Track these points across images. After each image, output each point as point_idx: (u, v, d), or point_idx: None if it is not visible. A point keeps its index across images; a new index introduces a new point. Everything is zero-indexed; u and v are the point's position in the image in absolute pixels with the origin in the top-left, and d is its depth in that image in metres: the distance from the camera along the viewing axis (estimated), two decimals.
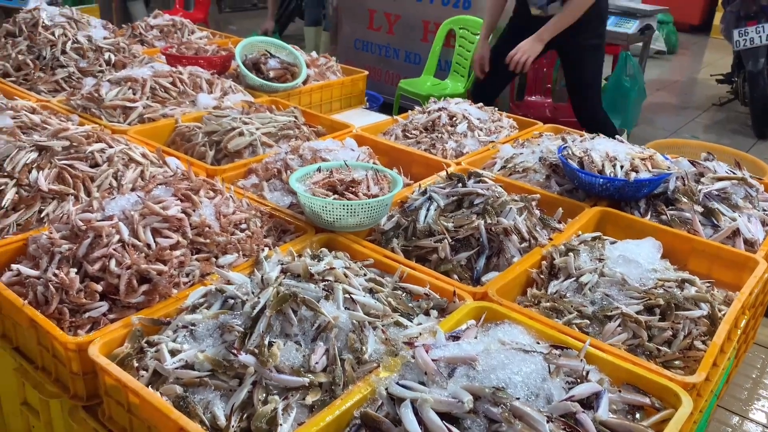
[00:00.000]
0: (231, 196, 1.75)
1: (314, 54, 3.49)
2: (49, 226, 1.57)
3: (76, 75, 2.83)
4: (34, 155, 1.80)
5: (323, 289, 1.36)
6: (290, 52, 3.19)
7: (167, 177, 1.73)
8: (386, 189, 1.86)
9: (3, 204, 1.69)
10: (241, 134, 2.32)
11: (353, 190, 1.83)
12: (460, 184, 1.93)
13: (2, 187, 1.74)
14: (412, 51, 4.60)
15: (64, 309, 1.37)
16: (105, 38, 3.03)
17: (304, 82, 3.10)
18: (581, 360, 1.23)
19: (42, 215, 1.71)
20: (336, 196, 1.80)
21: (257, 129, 2.38)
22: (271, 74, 2.98)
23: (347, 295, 1.36)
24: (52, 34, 2.91)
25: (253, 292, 1.37)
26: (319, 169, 1.93)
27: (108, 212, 1.52)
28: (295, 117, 2.60)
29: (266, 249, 1.64)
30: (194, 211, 1.60)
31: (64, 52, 2.87)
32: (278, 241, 1.79)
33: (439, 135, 2.52)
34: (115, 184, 1.86)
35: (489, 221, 1.79)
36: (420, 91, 4.23)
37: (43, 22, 2.95)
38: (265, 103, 2.75)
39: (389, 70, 4.79)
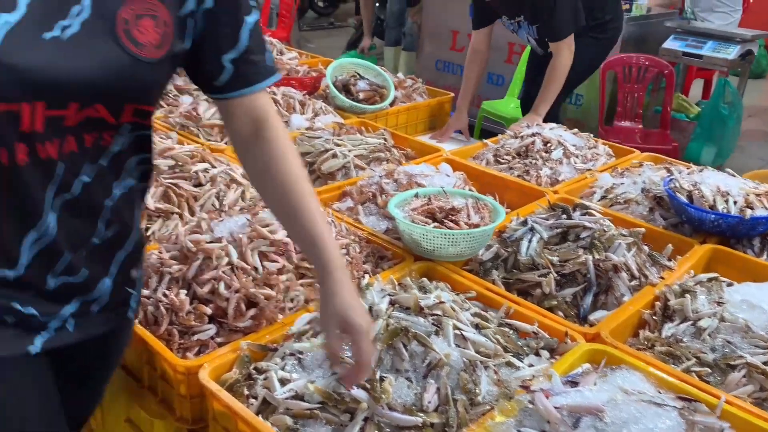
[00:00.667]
0: (332, 221, 1.75)
1: (401, 75, 3.49)
2: (159, 245, 1.60)
3: (172, 93, 2.92)
4: None
5: (432, 323, 1.33)
6: (379, 74, 3.20)
7: None
8: (487, 218, 1.82)
9: None
10: (334, 156, 2.33)
11: (453, 218, 1.79)
12: (564, 216, 1.87)
13: None
14: (495, 72, 4.55)
15: (173, 330, 1.39)
16: None
17: (392, 104, 3.10)
18: (717, 417, 1.15)
19: (148, 233, 1.75)
20: (436, 224, 1.77)
21: (349, 151, 2.39)
22: (361, 96, 3.00)
23: (457, 331, 1.32)
24: None
25: None
26: (416, 195, 1.91)
27: (217, 234, 1.54)
28: (385, 139, 2.60)
29: (366, 276, 1.63)
30: None
31: None
32: (376, 267, 1.77)
33: (533, 161, 2.46)
34: (217, 204, 1.89)
35: (597, 256, 1.72)
36: (504, 113, 4.17)
37: None
38: (354, 124, 2.76)
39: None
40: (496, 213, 1.83)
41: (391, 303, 1.38)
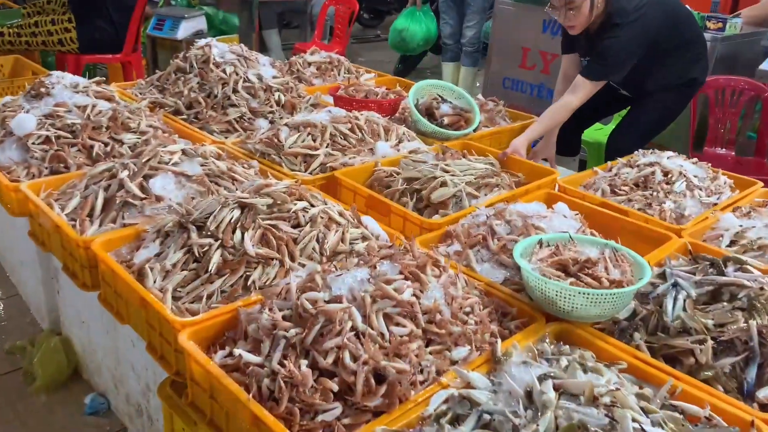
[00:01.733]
0: (452, 274, 1.56)
1: (481, 97, 3.30)
2: (266, 300, 1.43)
3: (247, 115, 2.77)
4: (237, 213, 1.69)
5: (606, 415, 1.12)
6: (461, 96, 3.01)
7: (388, 249, 1.56)
8: (628, 272, 1.60)
9: (210, 268, 1.58)
10: (443, 184, 2.16)
11: (590, 272, 1.59)
12: (713, 270, 1.65)
13: (206, 248, 1.63)
14: None
15: (295, 409, 1.20)
16: (274, 77, 2.98)
17: (475, 129, 2.91)
18: None
19: (248, 282, 1.59)
20: (572, 279, 1.57)
21: (457, 177, 2.22)
22: (445, 120, 2.81)
23: (636, 425, 1.12)
24: (224, 71, 2.88)
25: (516, 412, 1.15)
26: (540, 243, 1.71)
27: (334, 290, 1.36)
28: (492, 164, 2.43)
29: (498, 341, 1.43)
30: (422, 292, 1.42)
31: (235, 91, 2.83)
32: (500, 325, 1.58)
33: (654, 193, 2.26)
34: (317, 247, 1.71)
35: (760, 321, 1.50)
36: (588, 138, 3.95)
37: (214, 59, 2.93)
38: (456, 147, 2.60)
39: (541, 111, 4.53)
40: (638, 267, 1.62)
41: (555, 388, 1.18)
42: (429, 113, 2.85)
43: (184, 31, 5.34)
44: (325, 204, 1.86)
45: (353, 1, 5.77)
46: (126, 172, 1.94)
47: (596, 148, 3.88)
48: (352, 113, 2.61)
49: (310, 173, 2.32)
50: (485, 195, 2.22)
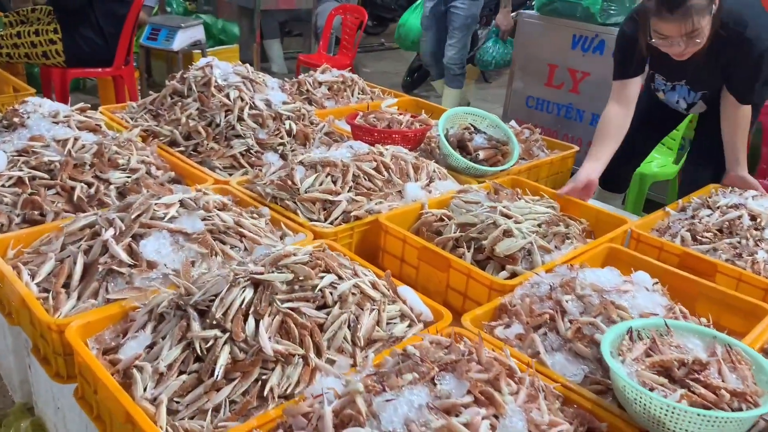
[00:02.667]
0: (522, 377, 1.23)
1: (514, 124, 2.98)
2: (291, 423, 1.10)
3: (254, 148, 2.44)
4: (249, 294, 1.35)
5: None
6: (495, 124, 2.69)
7: (446, 349, 1.22)
8: (749, 379, 1.28)
9: (216, 372, 1.24)
10: (508, 233, 1.85)
11: (701, 378, 1.26)
12: None
13: (211, 342, 1.29)
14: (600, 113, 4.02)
15: None
16: (284, 103, 2.65)
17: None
18: None
19: (265, 390, 1.25)
20: (684, 392, 1.24)
21: (518, 223, 1.92)
22: (481, 155, 2.48)
23: None
24: (227, 96, 2.54)
25: None
26: (630, 334, 1.38)
27: (385, 424, 1.03)
28: (553, 206, 2.13)
29: None
30: (498, 419, 1.08)
31: (240, 119, 2.49)
32: None
33: (743, 241, 1.94)
34: (348, 335, 1.38)
35: None
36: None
37: (215, 82, 2.59)
38: (505, 184, 2.30)
39: (569, 133, 4.22)
40: (759, 369, 1.29)
41: None
42: (461, 146, 2.53)
43: (180, 41, 5.01)
44: (355, 271, 1.53)
45: (362, 10, 5.45)
46: (111, 231, 1.61)
47: (637, 181, 3.56)
48: (376, 148, 2.28)
49: (331, 223, 1.98)
50: (556, 247, 1.91)
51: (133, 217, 1.64)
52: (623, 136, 2.52)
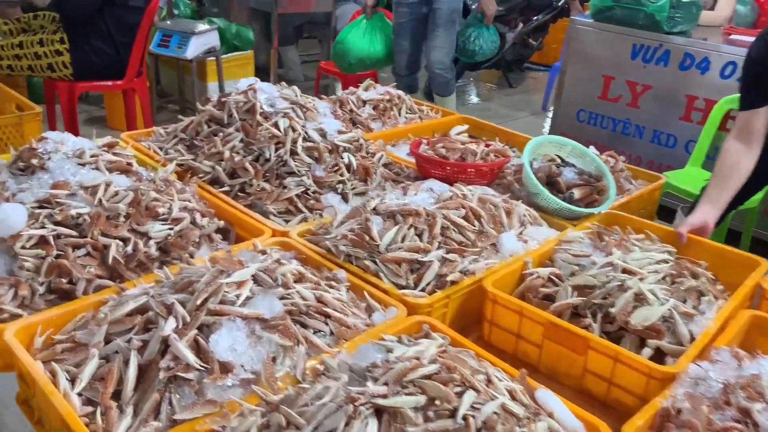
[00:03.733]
0: None
1: (594, 150, 2.66)
2: None
3: (312, 188, 2.11)
4: (373, 427, 1.02)
5: None
6: (581, 153, 2.37)
7: None
8: None
9: None
10: (640, 297, 1.54)
11: None
12: None
13: None
14: (664, 131, 3.72)
15: None
16: (339, 131, 2.32)
17: None
18: None
19: None
20: None
21: (642, 280, 1.61)
22: (576, 194, 2.16)
23: None
24: (275, 126, 2.21)
25: None
26: None
27: None
28: (668, 251, 1.81)
29: None
30: None
31: (294, 153, 2.17)
32: None
33: None
34: None
35: None
36: (689, 188, 3.32)
37: (261, 109, 2.26)
38: (603, 222, 2.00)
39: (626, 151, 3.91)
40: None
41: None
42: (550, 182, 2.21)
43: (194, 48, 4.68)
44: (488, 376, 1.20)
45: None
46: (172, 323, 1.27)
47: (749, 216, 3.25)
48: (458, 189, 1.96)
49: (423, 289, 1.66)
50: (699, 312, 1.60)
51: (198, 302, 1.31)
52: (745, 177, 2.17)
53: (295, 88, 2.46)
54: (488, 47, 4.87)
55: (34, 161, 1.83)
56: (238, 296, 1.34)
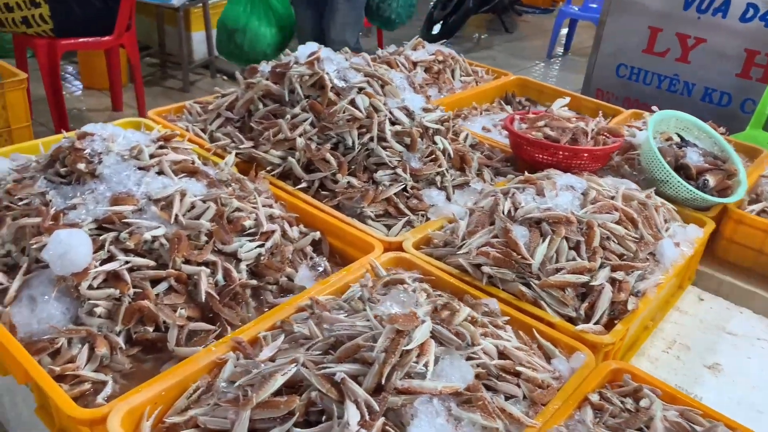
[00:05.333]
0: None
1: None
2: None
3: (409, 183, 1.77)
4: None
5: None
6: (702, 132, 2.08)
7: None
8: None
9: None
10: None
11: None
12: None
13: None
14: (717, 88, 3.46)
15: None
16: (425, 109, 1.96)
17: None
18: None
19: None
20: None
21: None
22: (711, 181, 1.88)
23: None
24: (353, 104, 1.84)
25: None
26: None
27: None
28: None
29: None
30: None
31: (381, 139, 1.81)
32: None
33: None
34: None
35: None
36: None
37: (332, 83, 1.88)
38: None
39: (672, 108, 3.65)
40: None
41: None
42: (678, 167, 1.92)
43: None
44: None
45: None
46: (355, 415, 0.95)
47: None
48: (600, 188, 1.65)
49: (597, 322, 1.37)
50: None
51: (382, 379, 0.99)
52: None
53: (365, 55, 2.08)
54: (405, 11, 3.94)
55: (81, 166, 1.43)
56: (426, 365, 1.03)
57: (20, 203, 1.42)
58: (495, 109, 2.62)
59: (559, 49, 6.08)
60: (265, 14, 3.53)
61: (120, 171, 1.44)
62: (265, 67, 2.09)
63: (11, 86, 2.72)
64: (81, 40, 3.25)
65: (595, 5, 5.66)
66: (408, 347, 1.02)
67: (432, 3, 6.05)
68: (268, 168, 1.82)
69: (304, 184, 1.77)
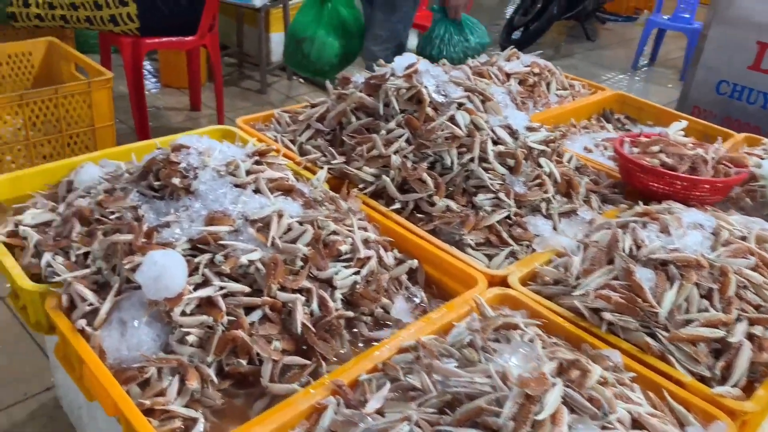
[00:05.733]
0: None
1: None
2: None
3: (512, 209, 1.65)
4: None
5: None
6: None
7: None
8: None
9: None
10: None
11: None
12: None
13: None
14: None
15: None
16: (529, 128, 1.83)
17: None
18: None
19: None
20: None
21: None
22: None
23: None
24: (452, 121, 1.73)
25: None
26: None
27: None
28: None
29: None
30: None
31: (483, 160, 1.69)
32: None
33: None
34: None
35: None
36: None
37: (429, 98, 1.78)
38: None
39: None
40: None
41: None
42: None
43: None
44: None
45: None
46: None
47: None
48: (731, 227, 1.49)
49: (734, 385, 1.22)
50: None
51: None
52: None
53: (466, 68, 1.97)
54: (456, 55, 3.26)
55: (176, 181, 1.37)
56: None
57: (112, 216, 1.36)
58: (594, 126, 2.46)
59: (642, 59, 5.81)
60: (332, 24, 3.35)
61: (216, 188, 1.37)
62: (358, 77, 2.00)
63: (98, 85, 2.71)
64: (164, 39, 3.24)
65: (687, 15, 5.38)
66: (540, 417, 0.90)
67: (512, 8, 5.88)
68: (360, 186, 1.73)
69: (398, 205, 1.67)
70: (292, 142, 1.96)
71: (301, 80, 4.66)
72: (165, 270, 1.18)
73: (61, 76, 3.07)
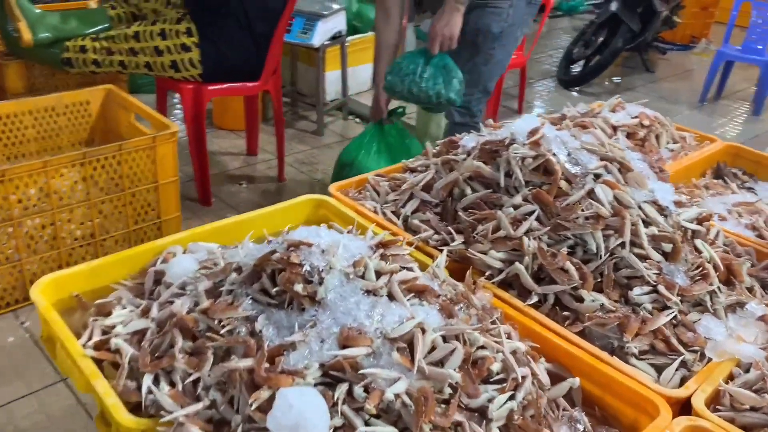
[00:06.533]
0: None
1: None
2: None
3: (678, 308, 1.40)
4: None
5: None
6: None
7: None
8: None
9: None
10: None
11: None
12: None
13: None
14: None
15: None
16: (677, 203, 1.59)
17: None
18: None
19: None
20: None
21: None
22: None
23: None
24: (592, 196, 1.49)
25: None
26: None
27: None
28: None
29: None
30: None
31: (634, 244, 1.45)
32: None
33: None
34: None
35: None
36: None
37: (562, 168, 1.54)
38: None
39: None
40: None
41: None
42: None
43: (321, 34, 3.95)
44: None
45: None
46: None
47: None
48: None
49: None
50: None
51: None
52: None
53: (598, 132, 1.74)
54: (406, 90, 2.67)
55: (299, 288, 1.14)
56: None
57: (222, 330, 1.15)
58: (715, 185, 2.21)
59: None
60: (377, 150, 3.09)
61: (347, 296, 1.15)
62: (467, 140, 1.78)
63: (163, 139, 2.54)
64: (227, 85, 3.07)
65: (760, 46, 5.10)
66: None
67: (571, 40, 5.66)
68: (486, 274, 1.49)
69: (535, 299, 1.43)
70: (395, 213, 1.74)
71: (357, 120, 4.48)
72: (303, 417, 0.95)
73: (118, 126, 2.91)
